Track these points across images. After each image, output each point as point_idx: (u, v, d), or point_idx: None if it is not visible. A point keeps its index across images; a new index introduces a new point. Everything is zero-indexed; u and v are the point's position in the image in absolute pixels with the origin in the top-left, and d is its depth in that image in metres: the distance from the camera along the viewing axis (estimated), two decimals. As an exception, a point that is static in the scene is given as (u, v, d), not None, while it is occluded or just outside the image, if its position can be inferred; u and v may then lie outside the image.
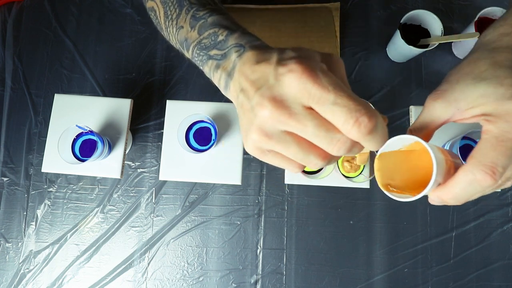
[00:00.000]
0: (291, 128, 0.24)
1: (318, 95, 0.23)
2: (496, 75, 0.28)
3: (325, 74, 0.24)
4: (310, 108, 0.24)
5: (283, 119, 0.24)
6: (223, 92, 0.32)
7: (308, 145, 0.25)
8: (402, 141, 0.29)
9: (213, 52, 0.32)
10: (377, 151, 0.30)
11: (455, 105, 0.29)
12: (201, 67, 0.35)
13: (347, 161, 0.58)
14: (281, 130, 0.25)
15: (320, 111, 0.24)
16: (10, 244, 0.68)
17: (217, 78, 0.32)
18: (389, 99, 0.71)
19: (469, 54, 0.31)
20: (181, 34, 0.37)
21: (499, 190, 0.29)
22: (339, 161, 0.57)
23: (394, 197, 0.29)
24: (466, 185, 0.26)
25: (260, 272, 0.67)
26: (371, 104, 0.27)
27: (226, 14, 0.35)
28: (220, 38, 0.32)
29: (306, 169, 0.58)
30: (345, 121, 0.23)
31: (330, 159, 0.26)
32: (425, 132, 0.31)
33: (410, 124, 0.59)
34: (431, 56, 0.73)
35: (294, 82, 0.23)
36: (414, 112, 0.59)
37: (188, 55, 0.37)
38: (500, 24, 0.32)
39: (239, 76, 0.27)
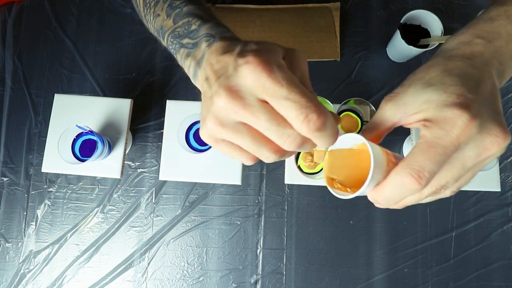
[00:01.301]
0: (244, 119, 0.25)
1: (271, 89, 0.24)
2: (443, 81, 0.28)
3: (281, 69, 0.24)
4: (265, 102, 0.24)
5: (237, 109, 0.24)
6: (192, 81, 0.33)
7: (261, 138, 0.26)
8: (353, 140, 0.30)
9: (186, 40, 0.34)
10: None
11: (403, 109, 0.29)
12: (174, 55, 0.36)
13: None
14: (235, 120, 0.25)
15: (273, 105, 0.24)
16: (10, 244, 0.68)
17: (187, 66, 0.33)
18: (389, 99, 0.71)
19: (429, 60, 0.32)
20: (157, 22, 0.38)
21: (436, 198, 0.29)
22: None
23: (334, 193, 0.31)
24: (395, 187, 0.26)
25: (260, 272, 0.67)
26: (331, 106, 0.27)
27: (202, 5, 0.36)
28: (193, 27, 0.33)
29: (306, 170, 0.58)
30: (295, 116, 0.23)
31: (283, 153, 0.27)
32: (375, 133, 0.32)
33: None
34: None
35: (250, 74, 0.24)
36: (414, 112, 0.59)
37: (163, 43, 0.38)
38: (461, 32, 0.32)
39: (206, 65, 0.28)
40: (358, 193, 0.28)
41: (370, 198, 0.30)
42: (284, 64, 0.26)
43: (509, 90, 0.72)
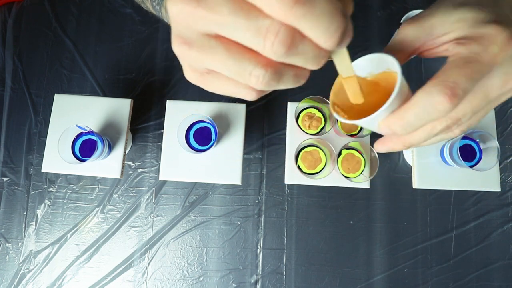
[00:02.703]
0: (206, 21, 0.17)
1: None
2: (478, 1, 0.24)
3: None
4: None
5: (194, 11, 0.17)
6: (165, 18, 0.30)
7: (238, 48, 0.18)
8: (372, 65, 0.25)
9: None
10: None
11: (429, 31, 0.25)
12: (159, 13, 0.33)
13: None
14: (199, 31, 0.18)
15: None
16: (10, 244, 0.68)
17: (165, 17, 0.31)
18: (389, 99, 0.71)
19: None
20: None
21: (454, 137, 0.26)
22: (339, 162, 0.57)
23: (339, 117, 0.25)
24: (422, 108, 0.22)
25: (260, 272, 0.67)
26: None
27: None
28: None
29: (306, 170, 0.58)
30: None
31: (275, 67, 0.18)
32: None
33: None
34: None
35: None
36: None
37: (150, 8, 0.36)
38: None
39: None
40: (371, 117, 0.22)
41: (385, 125, 0.24)
42: None
43: (509, 90, 0.72)
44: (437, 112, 0.22)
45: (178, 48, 0.19)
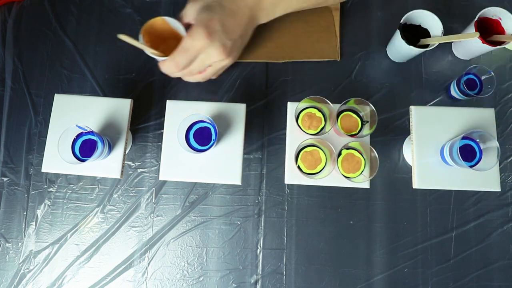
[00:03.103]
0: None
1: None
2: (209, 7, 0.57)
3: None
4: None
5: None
6: None
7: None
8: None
9: None
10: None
11: (189, 15, 0.59)
12: None
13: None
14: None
15: None
16: (10, 244, 0.68)
17: None
18: (389, 99, 0.71)
19: None
20: None
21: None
22: (339, 162, 0.57)
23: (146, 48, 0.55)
24: (168, 63, 0.57)
25: (260, 272, 0.67)
26: None
27: None
28: None
29: (306, 170, 0.58)
30: None
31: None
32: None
33: (410, 124, 0.59)
34: (431, 56, 0.73)
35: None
36: (414, 112, 0.59)
37: None
38: None
39: None
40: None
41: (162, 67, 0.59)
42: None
43: (509, 90, 0.72)
44: (175, 67, 0.58)
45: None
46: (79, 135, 0.59)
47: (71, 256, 0.68)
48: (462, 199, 0.68)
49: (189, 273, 0.67)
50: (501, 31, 0.66)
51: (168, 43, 0.64)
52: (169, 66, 0.57)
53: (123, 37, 0.56)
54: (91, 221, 0.69)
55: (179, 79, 0.66)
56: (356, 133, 0.59)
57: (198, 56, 0.56)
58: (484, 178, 0.57)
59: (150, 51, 0.59)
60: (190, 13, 0.57)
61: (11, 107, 0.73)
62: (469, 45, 0.68)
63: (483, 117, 0.58)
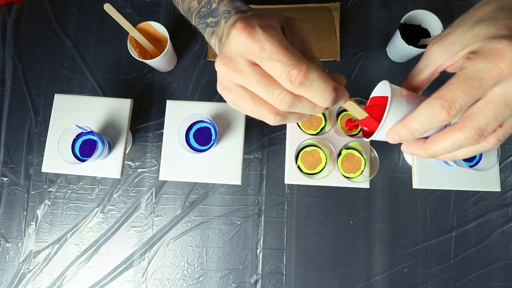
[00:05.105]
0: (240, 82, 0.26)
1: (256, 51, 0.24)
2: (495, 16, 0.26)
3: (264, 30, 0.25)
4: (256, 64, 0.25)
5: (232, 74, 0.26)
6: (210, 43, 0.37)
7: (258, 99, 0.27)
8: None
9: (209, 20, 0.37)
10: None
11: (450, 49, 0.27)
12: (203, 34, 0.40)
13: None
14: (235, 83, 0.27)
15: (262, 66, 0.25)
16: (10, 244, 0.68)
17: (213, 44, 0.36)
18: (389, 99, 0.71)
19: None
20: (185, 4, 0.42)
21: (491, 147, 0.28)
22: (339, 162, 0.57)
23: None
24: (424, 118, 0.26)
25: (260, 272, 0.67)
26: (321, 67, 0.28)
27: None
28: (214, 6, 0.37)
29: (306, 170, 0.58)
30: (279, 75, 0.24)
31: (283, 115, 0.28)
32: (419, 79, 0.31)
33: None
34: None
35: (235, 39, 0.25)
36: (414, 112, 0.59)
37: (192, 22, 0.42)
38: None
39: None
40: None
41: (391, 132, 0.29)
42: (275, 26, 0.26)
43: (509, 90, 0.72)
44: (437, 121, 0.25)
45: (221, 91, 0.28)
46: (79, 135, 0.59)
47: (71, 256, 0.68)
48: (462, 199, 0.68)
49: (189, 273, 0.67)
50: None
51: (154, 45, 0.66)
52: (432, 112, 0.26)
53: (109, 8, 0.55)
54: (91, 221, 0.69)
55: (179, 79, 0.66)
56: (356, 133, 0.59)
57: (501, 84, 0.25)
58: (484, 178, 0.57)
59: (137, 35, 0.61)
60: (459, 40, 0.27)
61: (11, 107, 0.73)
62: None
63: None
